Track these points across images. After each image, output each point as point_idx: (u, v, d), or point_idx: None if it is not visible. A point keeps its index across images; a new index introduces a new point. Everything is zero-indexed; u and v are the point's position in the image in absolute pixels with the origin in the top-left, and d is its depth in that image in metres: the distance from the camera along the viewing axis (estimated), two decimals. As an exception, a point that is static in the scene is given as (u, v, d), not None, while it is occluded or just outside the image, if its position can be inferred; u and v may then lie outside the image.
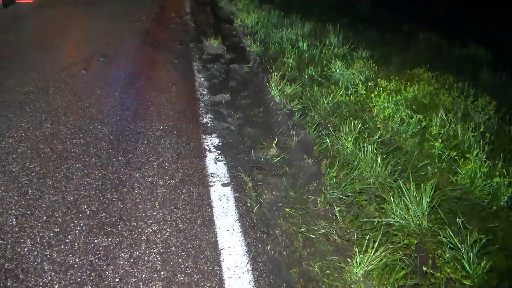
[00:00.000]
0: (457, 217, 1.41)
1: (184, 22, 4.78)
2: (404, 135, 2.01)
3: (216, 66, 3.34)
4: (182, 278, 1.29)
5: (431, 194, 1.48)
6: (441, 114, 2.08)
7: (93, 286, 1.24)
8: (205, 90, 2.87)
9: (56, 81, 2.81)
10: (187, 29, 4.49)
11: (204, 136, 2.17)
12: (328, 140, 2.01)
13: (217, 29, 4.52)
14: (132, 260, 1.34)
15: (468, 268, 1.22)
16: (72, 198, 1.61)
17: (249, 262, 1.37)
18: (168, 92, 2.74)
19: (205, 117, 2.40)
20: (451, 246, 1.31)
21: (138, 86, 2.82)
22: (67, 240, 1.40)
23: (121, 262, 1.33)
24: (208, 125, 2.31)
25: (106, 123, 2.24)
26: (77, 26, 4.35)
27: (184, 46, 3.82)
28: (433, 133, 1.93)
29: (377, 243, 1.30)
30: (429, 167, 1.75)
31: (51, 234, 1.42)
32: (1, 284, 1.24)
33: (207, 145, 2.08)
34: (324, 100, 2.42)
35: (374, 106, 2.28)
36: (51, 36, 3.85)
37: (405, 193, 1.50)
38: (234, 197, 1.69)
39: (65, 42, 3.69)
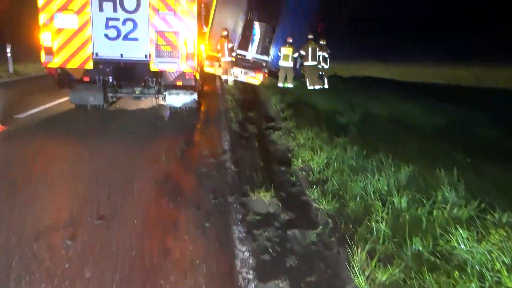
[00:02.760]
0: None
1: (221, 164, 5.96)
2: None
3: (267, 232, 3.93)
4: None
5: None
6: None
7: None
8: (251, 273, 3.30)
9: (24, 257, 3.27)
10: (224, 174, 5.56)
11: None
12: None
13: (269, 174, 5.50)
14: None
15: None
16: None
17: None
18: (193, 277, 3.19)
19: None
20: None
21: (150, 265, 3.32)
22: None
23: None
24: None
25: None
26: (66, 166, 5.60)
27: (220, 201, 4.66)
28: None
29: None
30: None
31: None
32: None
33: None
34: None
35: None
36: (24, 183, 4.88)
37: None
38: None
39: (46, 193, 4.66)
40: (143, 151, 6.50)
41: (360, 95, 12.29)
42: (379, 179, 4.64)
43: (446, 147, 6.23)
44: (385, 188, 4.47)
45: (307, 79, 14.02)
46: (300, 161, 5.82)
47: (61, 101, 9.71)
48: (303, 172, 5.47)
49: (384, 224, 3.63)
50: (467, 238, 3.25)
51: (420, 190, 4.32)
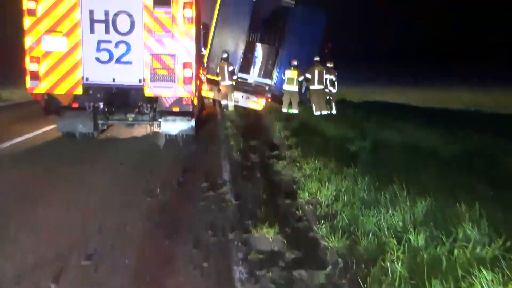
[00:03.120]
0: None
1: (221, 197, 5.96)
2: None
3: (271, 273, 3.87)
4: None
5: None
6: None
7: None
8: (253, 319, 3.31)
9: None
10: (224, 208, 5.55)
11: None
12: None
13: (273, 208, 5.48)
14: None
15: None
16: None
17: None
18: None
19: None
20: None
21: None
22: None
23: None
24: None
25: None
26: (53, 198, 5.61)
27: (219, 238, 4.62)
28: None
29: None
30: None
31: None
32: None
33: None
34: None
35: None
36: (4, 216, 4.88)
37: None
38: None
39: (29, 227, 4.65)
40: (136, 183, 6.51)
41: (371, 121, 12.35)
42: (393, 214, 4.61)
43: (467, 178, 6.21)
44: (400, 224, 4.44)
45: (313, 104, 14.15)
46: (306, 193, 5.81)
47: (47, 129, 9.83)
48: (310, 206, 5.45)
49: (400, 264, 3.59)
50: (492, 281, 3.20)
51: (439, 226, 4.28)
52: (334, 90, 14.61)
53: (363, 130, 10.34)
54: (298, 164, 7.28)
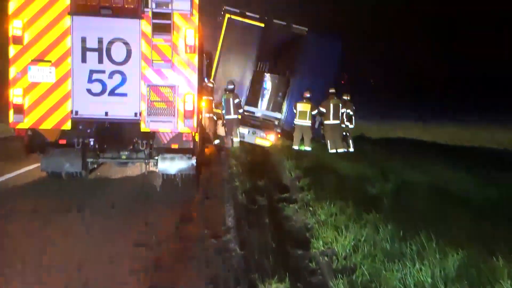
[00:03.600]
0: None
1: (224, 246, 5.88)
2: None
3: (280, 337, 3.84)
4: None
5: None
6: None
7: None
8: None
9: None
10: (228, 258, 5.46)
11: None
12: None
13: (283, 259, 5.37)
14: None
15: None
16: None
17: None
18: None
19: None
20: None
21: None
22: None
23: None
24: None
25: None
26: (31, 252, 5.51)
27: (221, 295, 4.59)
28: None
29: None
30: None
31: None
32: None
33: None
34: None
35: None
36: None
37: None
38: None
39: (6, 284, 4.61)
40: (129, 229, 6.49)
41: (393, 160, 12.32)
42: (421, 269, 4.53)
43: (506, 228, 6.11)
44: (429, 280, 4.36)
45: (328, 141, 14.18)
46: (321, 242, 5.74)
47: (31, 168, 9.91)
48: (325, 257, 5.36)
49: (429, 327, 3.50)
50: None
51: (473, 283, 4.20)
52: (351, 126, 14.69)
53: (384, 170, 10.30)
54: (311, 209, 7.24)
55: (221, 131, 14.77)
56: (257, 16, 14.30)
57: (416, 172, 10.22)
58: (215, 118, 13.93)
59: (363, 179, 9.49)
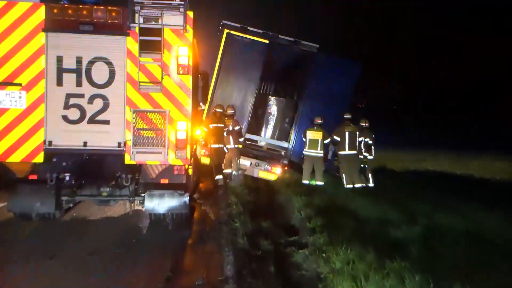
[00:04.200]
0: None
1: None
2: None
3: None
4: None
5: None
6: None
7: None
8: None
9: None
10: (226, 316, 5.45)
11: None
12: None
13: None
14: None
15: None
16: None
17: None
18: None
19: None
20: None
21: None
22: None
23: None
24: None
25: None
26: None
27: None
28: None
29: None
30: None
31: None
32: None
33: None
34: None
35: None
36: None
37: None
38: None
39: None
40: (111, 281, 6.41)
41: (421, 198, 12.22)
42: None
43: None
44: None
45: (343, 174, 14.09)
46: (336, 296, 5.64)
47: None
48: (342, 315, 5.26)
49: None
50: None
51: None
52: (370, 156, 14.59)
53: (410, 211, 10.19)
54: (324, 255, 7.17)
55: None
56: (261, 31, 14.34)
57: (449, 213, 10.10)
58: (226, 149, 13.67)
59: (385, 221, 9.39)
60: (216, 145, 13.51)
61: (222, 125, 13.59)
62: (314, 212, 10.09)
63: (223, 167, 13.81)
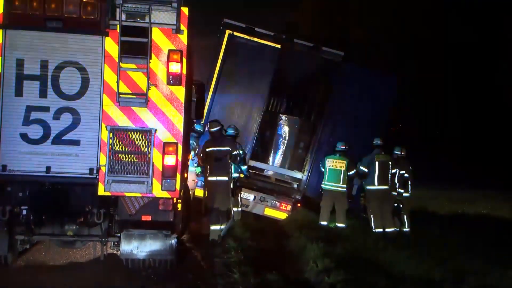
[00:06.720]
0: None
1: None
2: None
3: None
4: None
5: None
6: None
7: None
8: None
9: None
10: None
11: None
12: None
13: None
14: None
15: None
16: None
17: None
18: None
19: None
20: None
21: None
22: None
23: None
24: None
25: None
26: None
27: None
28: None
29: None
30: None
31: None
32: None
33: None
34: None
35: None
36: None
37: None
38: None
39: None
40: None
41: (473, 250, 12.11)
42: None
43: None
44: None
45: (371, 215, 13.96)
46: None
47: None
48: None
49: None
50: None
51: None
52: (406, 194, 14.49)
53: (459, 267, 10.11)
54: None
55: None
56: (271, 33, 14.26)
57: (508, 273, 10.00)
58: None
59: (426, 280, 9.31)
60: (214, 178, 12.28)
61: (224, 149, 12.40)
62: (334, 264, 10.02)
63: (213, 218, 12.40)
